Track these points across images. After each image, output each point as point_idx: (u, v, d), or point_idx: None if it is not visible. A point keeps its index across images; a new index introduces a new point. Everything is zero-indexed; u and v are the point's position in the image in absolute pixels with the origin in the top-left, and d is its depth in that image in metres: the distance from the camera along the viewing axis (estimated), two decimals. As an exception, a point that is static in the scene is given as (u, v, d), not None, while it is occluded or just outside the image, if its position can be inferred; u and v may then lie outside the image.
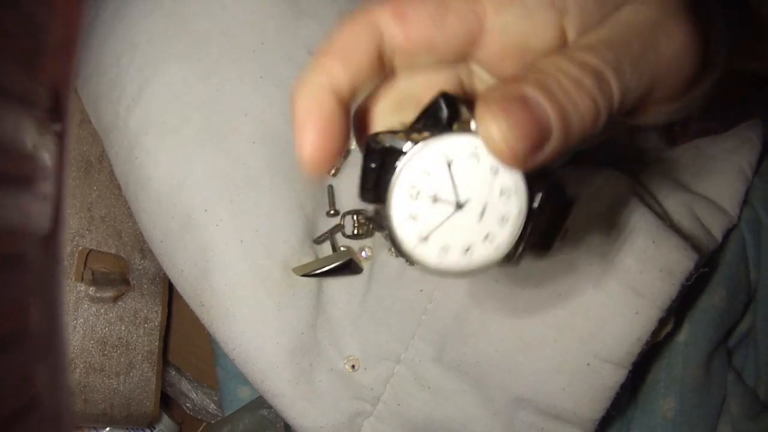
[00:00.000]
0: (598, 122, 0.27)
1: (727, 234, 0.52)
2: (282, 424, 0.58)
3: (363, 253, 0.51)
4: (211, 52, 0.51)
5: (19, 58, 0.20)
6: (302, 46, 0.52)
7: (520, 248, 0.28)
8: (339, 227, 0.52)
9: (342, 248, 0.51)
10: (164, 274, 0.64)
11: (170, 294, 0.66)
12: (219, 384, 0.62)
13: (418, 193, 0.27)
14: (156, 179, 0.51)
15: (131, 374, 0.61)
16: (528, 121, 0.25)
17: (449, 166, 0.27)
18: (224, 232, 0.50)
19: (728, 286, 0.53)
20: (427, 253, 0.28)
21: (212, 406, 0.68)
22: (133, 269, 0.62)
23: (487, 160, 0.27)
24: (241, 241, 0.50)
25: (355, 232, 0.51)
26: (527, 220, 0.28)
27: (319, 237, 0.52)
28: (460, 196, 0.27)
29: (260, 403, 0.59)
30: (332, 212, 0.52)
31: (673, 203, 0.51)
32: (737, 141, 0.54)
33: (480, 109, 0.26)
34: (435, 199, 0.27)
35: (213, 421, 0.69)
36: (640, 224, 0.47)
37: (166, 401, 0.68)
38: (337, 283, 0.51)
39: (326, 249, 0.52)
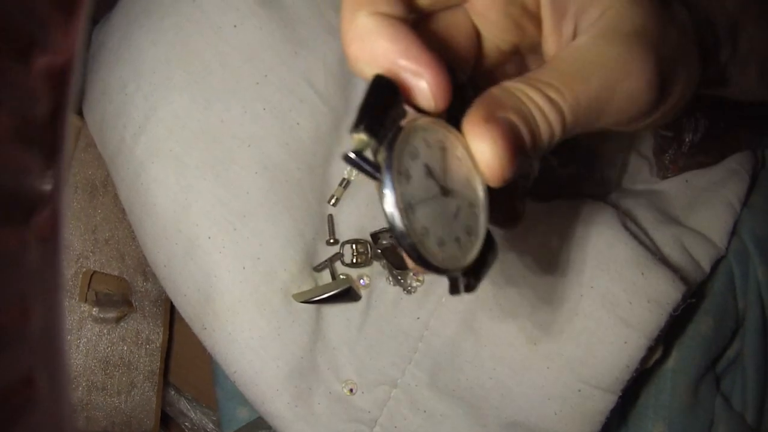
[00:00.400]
0: (551, 143, 0.30)
1: (716, 265, 0.54)
2: (280, 445, 0.60)
3: (361, 281, 0.53)
4: (213, 83, 0.52)
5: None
6: (302, 78, 0.53)
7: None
8: (338, 255, 0.53)
9: (341, 276, 0.53)
10: (166, 296, 0.66)
11: (171, 315, 0.68)
12: (218, 404, 0.64)
13: (416, 156, 0.28)
14: (161, 205, 0.52)
15: (132, 393, 0.62)
16: (513, 143, 0.28)
17: (444, 151, 0.29)
18: (227, 259, 0.51)
19: (716, 315, 0.55)
20: (409, 226, 0.27)
21: (211, 425, 0.69)
22: (135, 291, 0.64)
23: (464, 165, 0.29)
24: (243, 268, 0.51)
25: (354, 260, 0.53)
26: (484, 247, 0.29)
27: (319, 265, 0.53)
28: (447, 183, 0.28)
29: (259, 423, 0.60)
30: (332, 241, 0.53)
31: (662, 236, 0.53)
32: (725, 174, 0.56)
33: (471, 130, 0.28)
34: (428, 172, 0.28)
35: (211, 440, 0.70)
36: (629, 256, 0.49)
37: (166, 420, 0.69)
38: (335, 309, 0.53)
39: (326, 276, 0.53)
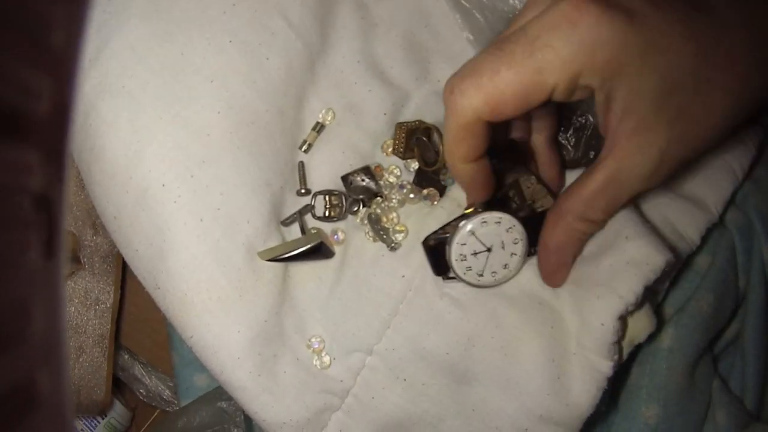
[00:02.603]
0: None
1: (707, 236, 0.51)
2: (242, 417, 0.55)
3: (335, 237, 0.48)
4: (174, 12, 0.48)
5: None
6: (275, 10, 0.48)
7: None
8: (309, 208, 0.48)
9: (312, 230, 0.48)
10: (117, 251, 0.60)
11: (123, 273, 0.62)
12: (174, 371, 0.58)
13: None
14: (111, 149, 0.47)
15: (81, 359, 0.57)
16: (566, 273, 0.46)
17: (474, 233, 0.44)
18: (183, 210, 0.46)
19: (716, 292, 0.52)
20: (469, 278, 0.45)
21: (167, 392, 0.64)
22: (84, 246, 0.58)
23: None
24: (201, 220, 0.46)
25: (327, 213, 0.47)
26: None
27: (287, 218, 0.48)
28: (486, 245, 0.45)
29: (219, 394, 0.55)
30: (303, 191, 0.48)
31: (650, 205, 0.50)
32: (732, 142, 0.52)
33: (546, 276, 0.46)
34: (475, 253, 0.45)
35: (168, 409, 0.65)
36: (617, 220, 0.46)
37: (118, 386, 0.64)
38: (305, 267, 0.47)
39: (294, 231, 0.48)
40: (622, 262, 0.45)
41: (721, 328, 0.54)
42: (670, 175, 0.40)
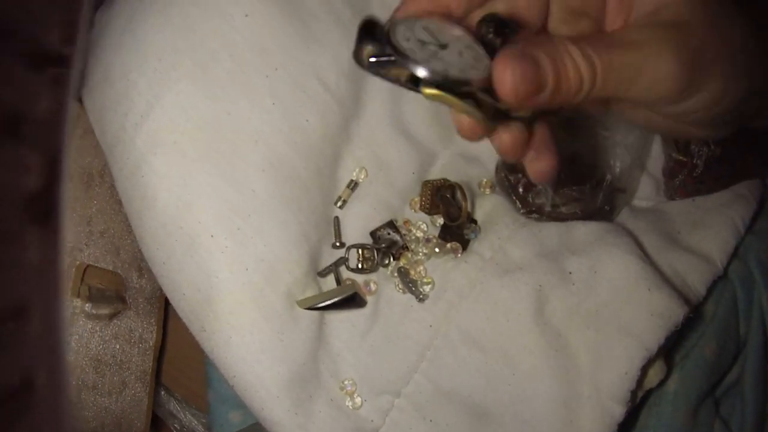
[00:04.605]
0: (578, 96, 0.36)
1: (714, 286, 0.54)
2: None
3: (368, 287, 0.52)
4: (220, 74, 0.51)
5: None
6: (313, 75, 0.52)
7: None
8: (343, 260, 0.52)
9: (347, 281, 0.52)
10: (160, 293, 0.64)
11: (165, 314, 0.66)
12: (210, 407, 0.62)
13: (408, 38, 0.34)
14: (161, 200, 0.50)
15: (124, 393, 0.61)
16: (532, 74, 0.34)
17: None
18: (229, 259, 0.50)
19: (719, 340, 0.55)
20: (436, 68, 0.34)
21: (200, 428, 0.68)
22: (129, 287, 0.62)
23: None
24: (246, 269, 0.50)
25: (360, 266, 0.51)
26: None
27: (324, 270, 0.52)
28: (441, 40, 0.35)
29: (255, 429, 0.59)
30: (337, 244, 0.52)
31: (663, 260, 0.53)
32: (733, 196, 0.56)
33: (498, 59, 0.34)
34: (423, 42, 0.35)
35: (200, 443, 0.68)
36: (640, 274, 0.50)
37: (155, 422, 0.67)
38: (340, 315, 0.51)
39: (330, 281, 0.52)
40: (646, 314, 0.48)
41: (723, 373, 0.57)
42: (686, 92, 0.37)
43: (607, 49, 0.35)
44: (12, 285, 0.20)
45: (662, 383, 0.53)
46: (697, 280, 0.53)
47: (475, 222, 0.53)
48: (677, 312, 0.48)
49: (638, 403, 0.52)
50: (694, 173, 0.57)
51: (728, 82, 0.38)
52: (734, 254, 0.56)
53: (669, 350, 0.54)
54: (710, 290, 0.54)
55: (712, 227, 0.55)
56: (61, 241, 0.22)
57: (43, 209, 0.21)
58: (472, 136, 0.38)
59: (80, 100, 0.57)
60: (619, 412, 0.48)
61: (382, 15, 0.37)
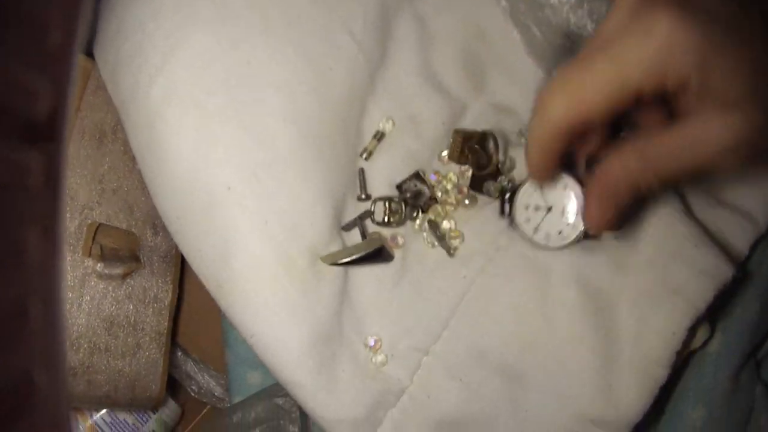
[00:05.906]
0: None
1: (755, 246, 0.52)
2: (297, 413, 0.56)
3: (394, 241, 0.49)
4: (240, 23, 0.49)
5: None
6: (339, 24, 0.49)
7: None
8: (369, 213, 0.49)
9: (373, 234, 0.49)
10: (176, 251, 0.62)
11: (181, 272, 0.64)
12: (228, 368, 0.60)
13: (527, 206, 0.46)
14: (177, 154, 0.48)
15: (138, 355, 0.59)
16: (617, 215, 0.41)
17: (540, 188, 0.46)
18: (248, 213, 0.47)
19: (762, 300, 0.53)
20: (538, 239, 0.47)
21: (219, 390, 0.66)
22: (144, 246, 0.60)
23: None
24: (266, 222, 0.47)
25: (386, 219, 0.49)
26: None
27: (348, 223, 0.49)
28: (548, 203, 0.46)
29: (275, 390, 0.57)
30: (363, 197, 0.49)
31: (707, 217, 0.51)
32: None
33: (589, 202, 0.42)
34: (536, 208, 0.46)
35: (219, 405, 0.67)
36: (686, 232, 0.47)
37: (171, 383, 0.66)
38: (365, 269, 0.49)
39: (354, 235, 0.49)
40: (694, 271, 0.46)
41: (765, 334, 0.55)
42: (749, 159, 0.38)
43: (668, 168, 0.39)
44: (10, 284, 0.20)
45: (704, 344, 0.51)
46: (739, 239, 0.51)
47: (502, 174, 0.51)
48: (726, 270, 0.46)
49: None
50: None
51: None
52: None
53: (714, 310, 0.52)
54: (753, 249, 0.52)
55: (754, 184, 0.53)
56: (62, 241, 0.22)
57: (44, 209, 0.21)
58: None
59: (90, 55, 0.55)
60: (662, 374, 0.45)
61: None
